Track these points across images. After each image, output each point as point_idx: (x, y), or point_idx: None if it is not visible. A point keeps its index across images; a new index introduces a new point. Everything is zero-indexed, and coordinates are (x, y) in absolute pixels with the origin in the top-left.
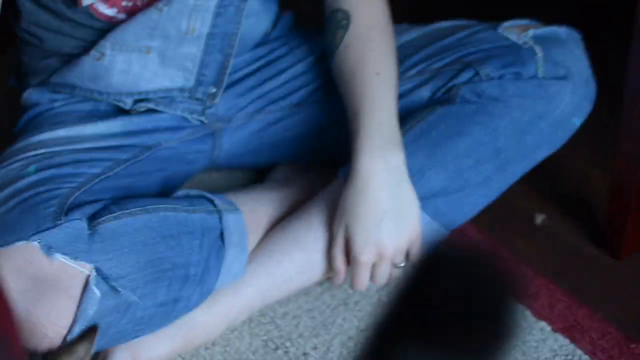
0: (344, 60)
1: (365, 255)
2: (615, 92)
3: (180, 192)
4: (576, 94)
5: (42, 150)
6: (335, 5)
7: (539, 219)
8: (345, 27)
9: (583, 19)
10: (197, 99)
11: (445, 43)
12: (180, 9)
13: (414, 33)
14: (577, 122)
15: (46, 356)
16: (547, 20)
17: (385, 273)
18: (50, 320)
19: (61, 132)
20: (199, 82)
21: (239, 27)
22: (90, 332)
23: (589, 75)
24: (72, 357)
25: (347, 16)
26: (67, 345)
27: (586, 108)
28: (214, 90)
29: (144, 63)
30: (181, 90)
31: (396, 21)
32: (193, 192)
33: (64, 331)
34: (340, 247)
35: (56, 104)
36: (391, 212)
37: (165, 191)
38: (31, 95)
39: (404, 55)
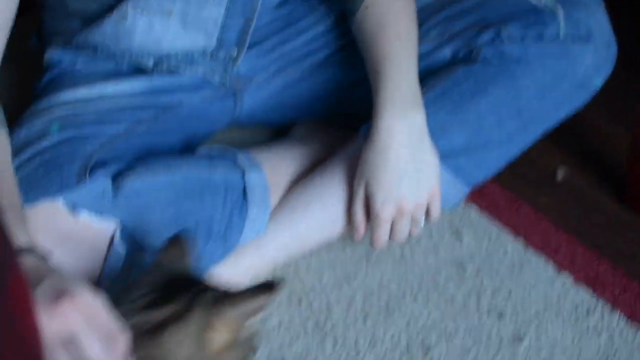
0: (365, 21)
1: (385, 211)
2: (637, 48)
3: (203, 150)
4: (598, 54)
5: (65, 110)
6: None
7: (561, 174)
8: None
9: None
10: (219, 62)
11: (465, 5)
12: None
13: None
14: (598, 82)
15: (219, 295)
16: None
17: (404, 230)
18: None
19: (83, 92)
20: (220, 45)
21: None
22: (268, 287)
23: (610, 36)
24: (243, 308)
25: None
26: (242, 294)
27: (607, 68)
28: (236, 52)
29: (165, 25)
30: (203, 52)
31: None
32: (215, 149)
33: None
34: (361, 203)
35: (78, 64)
36: (411, 170)
37: (187, 149)
38: (53, 55)
39: (425, 16)
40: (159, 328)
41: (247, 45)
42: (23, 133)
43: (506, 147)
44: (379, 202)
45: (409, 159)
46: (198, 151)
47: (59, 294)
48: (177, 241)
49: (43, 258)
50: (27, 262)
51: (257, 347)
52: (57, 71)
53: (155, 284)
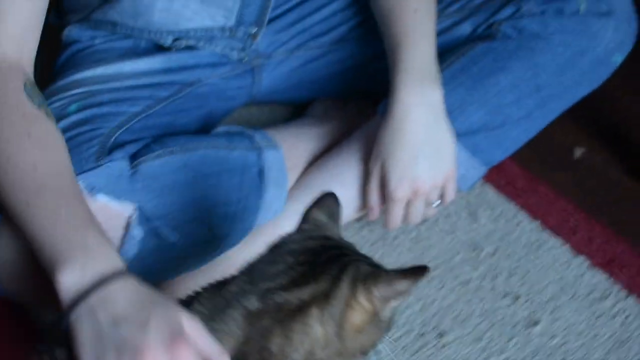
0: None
1: (400, 191)
2: None
3: (221, 129)
4: (618, 30)
5: (83, 89)
6: None
7: (578, 152)
8: None
9: None
10: (238, 39)
11: None
12: None
13: None
14: (618, 59)
15: (369, 272)
16: None
17: (419, 211)
18: None
19: (101, 70)
20: (239, 22)
21: None
22: (418, 270)
23: (631, 12)
24: (391, 288)
25: None
26: (392, 274)
27: (628, 45)
28: (255, 29)
29: (184, 1)
30: (222, 29)
31: None
32: (233, 128)
33: None
34: (376, 182)
35: (96, 41)
36: (427, 149)
37: (205, 128)
38: (71, 32)
39: None
40: (302, 309)
41: (266, 22)
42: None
43: (525, 125)
44: (393, 182)
45: (426, 138)
46: (215, 130)
47: (172, 337)
48: (324, 202)
49: (136, 279)
50: (127, 289)
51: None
52: (75, 48)
53: (297, 255)
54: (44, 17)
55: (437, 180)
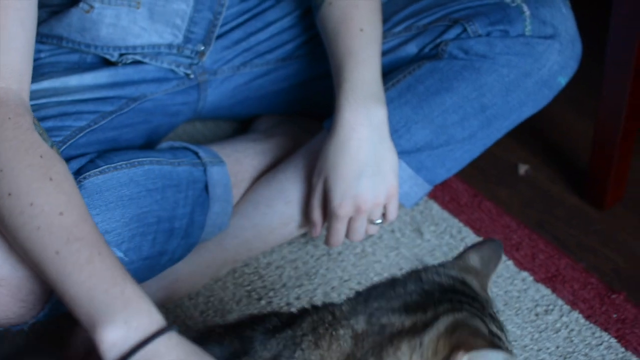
0: (329, 15)
1: (342, 208)
2: (599, 43)
3: (165, 144)
4: (563, 53)
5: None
6: None
7: (523, 169)
8: None
9: None
10: (186, 57)
11: (435, 2)
12: None
13: None
14: (562, 81)
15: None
16: None
17: (361, 228)
18: (36, 278)
19: (46, 84)
20: (187, 39)
21: None
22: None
23: (576, 35)
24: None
25: None
26: (481, 341)
27: (572, 67)
28: (202, 47)
29: (132, 18)
30: (169, 46)
31: None
32: (177, 143)
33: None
34: (319, 199)
35: (42, 55)
36: (370, 168)
37: (150, 143)
38: None
39: (391, 11)
40: (395, 337)
41: (213, 40)
42: None
43: (469, 145)
44: (336, 199)
45: (369, 157)
46: (160, 146)
47: None
48: (485, 247)
49: (177, 334)
50: (172, 346)
51: None
52: None
53: (424, 284)
54: (34, 46)
55: (379, 198)
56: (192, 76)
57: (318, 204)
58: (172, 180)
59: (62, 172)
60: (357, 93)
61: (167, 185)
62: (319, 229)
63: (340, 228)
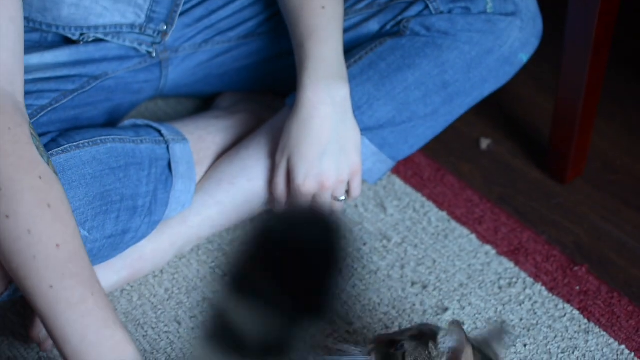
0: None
1: (306, 186)
2: (561, 19)
3: (127, 122)
4: (524, 30)
5: None
6: None
7: (485, 143)
8: None
9: None
10: (148, 36)
11: None
12: None
13: None
14: (524, 58)
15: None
16: None
17: (325, 205)
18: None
19: None
20: (149, 19)
21: None
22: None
23: (537, 12)
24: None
25: None
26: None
27: (533, 44)
28: (164, 27)
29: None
30: (131, 26)
31: None
32: (140, 121)
33: None
34: (283, 176)
35: None
36: (333, 146)
37: (111, 121)
38: None
39: None
40: None
41: (176, 20)
42: None
43: (431, 121)
44: (300, 176)
45: (332, 134)
46: (122, 124)
47: None
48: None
49: None
50: None
51: None
52: None
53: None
54: (23, 43)
55: (342, 175)
56: (154, 54)
57: (282, 180)
58: (135, 158)
59: (59, 197)
60: (319, 71)
61: (130, 163)
62: (282, 206)
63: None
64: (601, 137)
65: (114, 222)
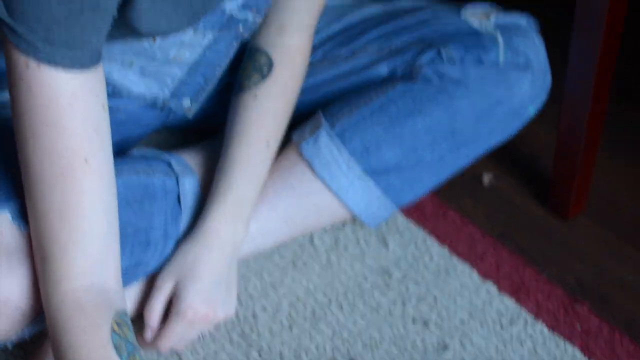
0: (247, 107)
1: (194, 309)
2: (564, 52)
3: (137, 152)
4: (534, 83)
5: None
6: (262, 45)
7: (487, 178)
8: (264, 76)
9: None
10: (170, 109)
11: (406, 22)
12: (174, 41)
13: (374, 9)
14: (532, 110)
15: None
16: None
17: (190, 337)
18: (23, 292)
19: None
20: (174, 95)
21: (226, 60)
22: None
23: (547, 66)
24: None
25: (270, 65)
26: None
27: (542, 98)
28: (189, 104)
29: (124, 74)
30: (155, 97)
31: None
32: (150, 152)
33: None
34: (164, 299)
35: None
36: (224, 282)
37: (119, 152)
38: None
39: (363, 29)
40: None
41: (200, 102)
42: None
43: (436, 168)
44: (189, 299)
45: (225, 270)
46: (131, 153)
47: None
48: None
49: None
50: None
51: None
52: None
53: None
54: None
55: (225, 314)
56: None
57: (161, 304)
58: (148, 191)
59: None
60: (236, 210)
61: (144, 196)
62: (153, 333)
63: (181, 332)
64: (604, 173)
65: (128, 256)
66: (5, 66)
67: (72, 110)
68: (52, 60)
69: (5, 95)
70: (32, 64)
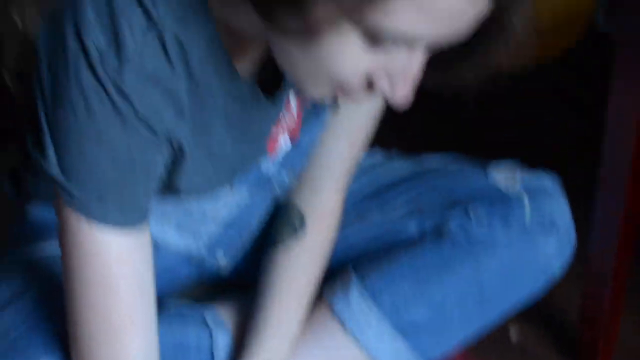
0: (279, 264)
1: None
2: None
3: (173, 304)
4: (560, 243)
5: (46, 266)
6: (296, 202)
7: (515, 335)
8: (297, 234)
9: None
10: (204, 264)
11: (435, 181)
12: (211, 198)
13: (404, 167)
14: (558, 270)
15: None
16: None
17: None
18: None
19: None
20: (209, 250)
21: (260, 218)
22: None
23: (571, 225)
24: None
25: (303, 223)
26: None
27: (567, 257)
28: (223, 258)
29: (161, 228)
30: (189, 251)
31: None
32: (185, 305)
33: None
34: None
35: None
36: None
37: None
38: (36, 210)
39: (393, 187)
40: None
41: (235, 255)
42: (3, 288)
43: (465, 326)
44: None
45: None
46: (167, 306)
47: None
48: None
49: None
50: None
51: None
52: (38, 222)
53: None
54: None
55: None
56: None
57: None
58: (183, 345)
59: None
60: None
61: (179, 350)
62: None
63: None
64: (630, 330)
65: None
66: (49, 217)
67: (120, 267)
68: (104, 220)
69: (51, 249)
70: (84, 221)
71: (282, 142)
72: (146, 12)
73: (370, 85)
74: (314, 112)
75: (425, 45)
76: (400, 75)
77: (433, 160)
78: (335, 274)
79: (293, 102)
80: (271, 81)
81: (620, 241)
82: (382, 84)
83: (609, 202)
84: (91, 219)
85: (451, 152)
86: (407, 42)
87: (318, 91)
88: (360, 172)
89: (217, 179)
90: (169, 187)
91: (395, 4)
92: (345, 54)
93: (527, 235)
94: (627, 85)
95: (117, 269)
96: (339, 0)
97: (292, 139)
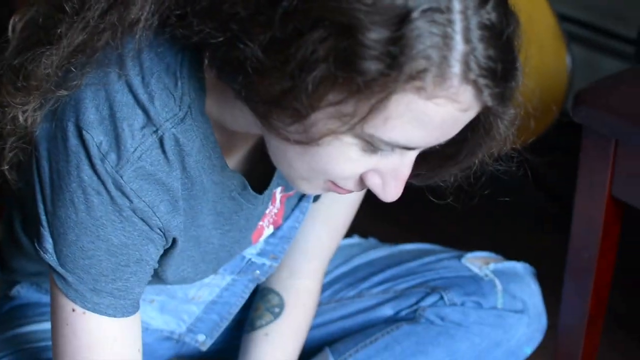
0: (257, 345)
1: None
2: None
3: None
4: (530, 326)
5: (29, 344)
6: (274, 286)
7: None
8: (275, 316)
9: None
10: (184, 342)
11: (411, 266)
12: (193, 285)
13: (381, 252)
14: (528, 351)
15: None
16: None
17: None
18: None
19: (48, 325)
20: (190, 330)
21: (242, 301)
22: None
23: (542, 309)
24: None
25: (281, 306)
26: None
27: (538, 338)
28: (204, 338)
29: (144, 309)
30: (171, 332)
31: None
32: None
33: None
34: None
35: (43, 300)
36: None
37: None
38: (18, 290)
39: (370, 272)
40: None
41: (215, 336)
42: None
43: None
44: None
45: None
46: None
47: None
48: None
49: None
50: None
51: None
52: (20, 301)
53: None
54: None
55: None
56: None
57: None
58: None
59: None
60: None
61: None
62: None
63: None
64: None
65: None
66: (41, 299)
67: (112, 352)
68: (97, 309)
69: (42, 326)
70: (78, 310)
71: (266, 232)
72: (146, 113)
73: (362, 181)
74: (296, 198)
75: (419, 149)
76: (392, 174)
77: (409, 246)
78: (312, 355)
79: (278, 194)
80: (262, 176)
81: (588, 321)
82: (375, 182)
83: (576, 287)
84: (86, 308)
85: (425, 242)
86: (404, 148)
87: (311, 188)
88: (338, 257)
89: (203, 269)
90: (157, 276)
91: (395, 121)
92: (344, 159)
93: (498, 318)
94: (591, 172)
95: (110, 353)
96: (341, 116)
97: (275, 226)
